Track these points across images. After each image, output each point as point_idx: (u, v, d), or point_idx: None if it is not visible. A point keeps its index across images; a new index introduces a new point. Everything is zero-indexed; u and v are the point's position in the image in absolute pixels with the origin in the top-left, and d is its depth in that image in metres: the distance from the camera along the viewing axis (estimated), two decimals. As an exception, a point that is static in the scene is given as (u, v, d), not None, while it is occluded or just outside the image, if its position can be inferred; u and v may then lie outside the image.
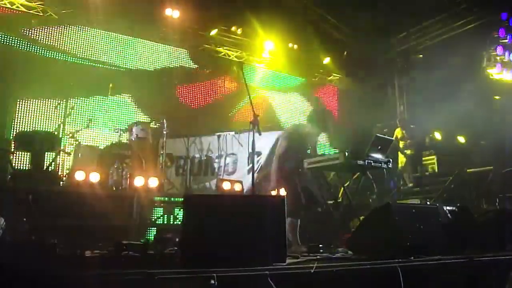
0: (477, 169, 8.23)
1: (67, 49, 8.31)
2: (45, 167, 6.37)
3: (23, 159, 7.14)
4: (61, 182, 6.53)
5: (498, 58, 9.09)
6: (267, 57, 10.45)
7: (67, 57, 8.26)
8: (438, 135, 10.20)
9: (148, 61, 9.24)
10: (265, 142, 7.39)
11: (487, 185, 7.70)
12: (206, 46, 9.89)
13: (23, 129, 7.51)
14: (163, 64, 9.42)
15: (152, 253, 3.13)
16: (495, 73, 9.06)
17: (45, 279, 2.25)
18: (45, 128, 7.62)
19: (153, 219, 6.94)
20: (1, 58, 7.49)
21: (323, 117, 5.73)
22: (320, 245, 4.88)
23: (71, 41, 8.39)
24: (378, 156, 5.29)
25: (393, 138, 5.69)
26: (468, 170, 8.28)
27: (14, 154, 6.58)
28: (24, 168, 6.91)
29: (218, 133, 7.83)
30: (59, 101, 7.37)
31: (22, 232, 4.46)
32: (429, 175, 9.62)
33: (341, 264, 3.31)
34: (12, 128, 7.50)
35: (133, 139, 7.25)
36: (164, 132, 7.31)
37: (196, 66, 9.84)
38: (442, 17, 9.97)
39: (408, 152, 9.55)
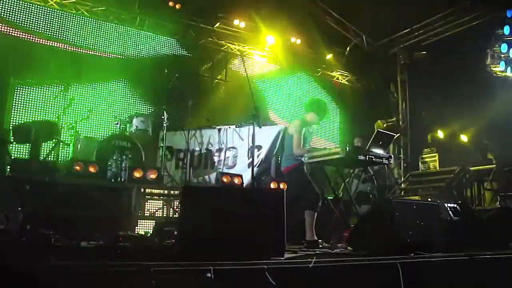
0: (479, 167, 8.18)
1: (66, 38, 8.25)
2: (43, 157, 6.32)
3: (22, 149, 7.11)
4: (60, 173, 6.48)
5: (502, 55, 8.98)
6: (269, 51, 10.37)
7: (67, 46, 8.20)
8: (440, 133, 10.13)
9: (148, 52, 9.16)
10: (266, 135, 7.30)
11: (489, 183, 7.66)
12: (209, 39, 9.83)
13: (21, 120, 7.46)
14: (163, 55, 9.37)
15: (149, 245, 3.07)
16: (499, 70, 8.96)
17: (39, 270, 2.20)
18: (44, 118, 7.56)
19: (152, 212, 6.92)
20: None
21: (323, 106, 5.61)
22: (319, 241, 4.86)
23: (71, 30, 8.32)
24: (379, 151, 5.24)
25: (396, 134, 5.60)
26: (470, 168, 8.24)
27: (13, 144, 6.52)
28: (22, 158, 6.86)
29: (218, 127, 7.74)
30: (58, 91, 7.29)
31: (18, 222, 4.41)
32: (430, 172, 9.55)
33: (340, 259, 3.28)
34: (12, 117, 7.43)
35: (133, 131, 7.20)
36: (164, 125, 7.24)
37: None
38: (446, 13, 9.88)
39: None
